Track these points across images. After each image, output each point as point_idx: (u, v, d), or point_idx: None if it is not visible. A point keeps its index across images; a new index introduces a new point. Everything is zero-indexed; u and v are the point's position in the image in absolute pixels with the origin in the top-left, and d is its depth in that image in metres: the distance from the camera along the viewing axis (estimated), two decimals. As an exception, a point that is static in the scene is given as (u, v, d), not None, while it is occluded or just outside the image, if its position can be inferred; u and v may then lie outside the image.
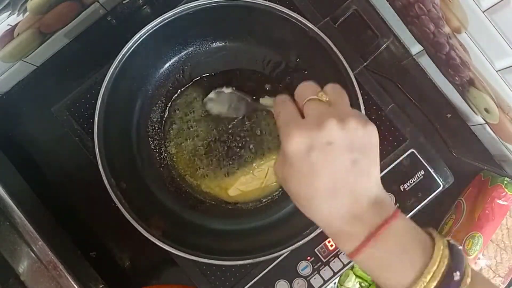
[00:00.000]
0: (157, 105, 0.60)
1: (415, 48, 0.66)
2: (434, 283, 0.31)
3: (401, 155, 0.57)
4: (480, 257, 0.59)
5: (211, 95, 0.56)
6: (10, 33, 0.54)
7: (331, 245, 0.56)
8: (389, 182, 0.57)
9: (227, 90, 0.54)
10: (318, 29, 0.53)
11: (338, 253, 0.56)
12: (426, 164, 0.57)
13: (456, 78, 0.61)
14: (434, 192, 0.57)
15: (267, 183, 0.60)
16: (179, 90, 0.60)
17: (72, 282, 0.54)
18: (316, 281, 0.56)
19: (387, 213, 0.34)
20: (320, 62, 0.55)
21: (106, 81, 0.52)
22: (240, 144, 0.60)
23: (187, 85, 0.60)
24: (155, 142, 0.60)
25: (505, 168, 0.66)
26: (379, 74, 0.64)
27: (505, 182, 0.60)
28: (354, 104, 0.53)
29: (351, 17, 0.55)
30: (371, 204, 0.34)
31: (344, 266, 0.56)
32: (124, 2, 0.66)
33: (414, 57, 0.68)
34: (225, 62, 0.60)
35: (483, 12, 0.48)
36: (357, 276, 0.64)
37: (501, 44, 0.48)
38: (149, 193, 0.57)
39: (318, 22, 0.55)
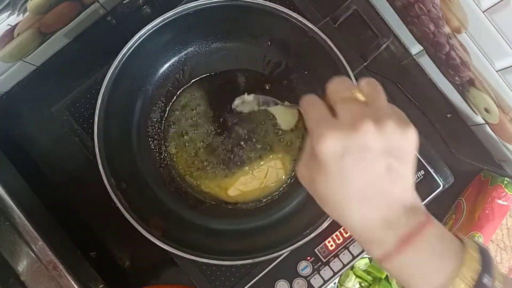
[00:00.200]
0: (157, 105, 0.60)
1: (415, 48, 0.66)
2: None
3: (401, 155, 0.57)
4: (480, 257, 0.59)
5: (236, 101, 0.54)
6: (10, 33, 0.54)
7: (331, 245, 0.56)
8: (389, 182, 0.57)
9: (249, 98, 0.52)
10: (318, 29, 0.53)
11: (338, 253, 0.56)
12: (426, 164, 0.57)
13: (456, 78, 0.61)
14: (434, 192, 0.57)
15: (267, 183, 0.60)
16: (179, 90, 0.60)
17: (72, 282, 0.54)
18: (316, 281, 0.56)
19: (420, 219, 0.33)
20: (320, 62, 0.55)
21: (106, 81, 0.52)
22: (240, 144, 0.60)
23: (187, 85, 0.60)
24: (155, 142, 0.60)
25: (505, 168, 0.66)
26: (379, 74, 0.65)
27: (505, 182, 0.60)
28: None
29: (351, 17, 0.55)
30: (404, 210, 0.33)
31: (344, 266, 0.56)
32: (124, 2, 0.66)
33: (414, 57, 0.68)
34: (225, 62, 0.60)
35: (483, 12, 0.48)
36: (357, 276, 0.64)
37: (501, 44, 0.48)
38: (149, 193, 0.57)
39: (318, 22, 0.55)
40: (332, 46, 0.53)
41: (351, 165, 0.32)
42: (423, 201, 0.57)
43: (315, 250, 0.56)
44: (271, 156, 0.60)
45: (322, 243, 0.56)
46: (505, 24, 0.47)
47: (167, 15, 0.53)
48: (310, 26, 0.53)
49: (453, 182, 0.58)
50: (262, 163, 0.60)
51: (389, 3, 0.64)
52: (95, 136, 0.52)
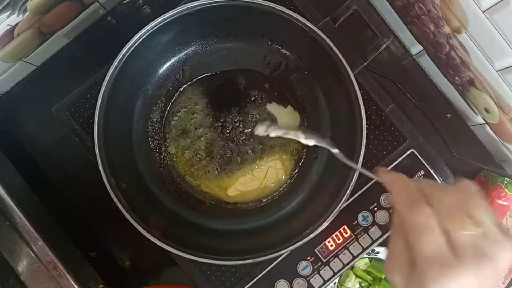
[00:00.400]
0: (157, 105, 0.60)
1: (415, 48, 0.66)
2: None
3: (401, 155, 0.57)
4: (480, 257, 0.59)
5: (259, 129, 0.52)
6: (10, 33, 0.54)
7: (331, 245, 0.56)
8: (389, 182, 0.57)
9: (268, 132, 0.51)
10: (318, 29, 0.53)
11: (338, 253, 0.56)
12: (426, 164, 0.57)
13: (456, 78, 0.61)
14: (434, 192, 0.57)
15: (266, 184, 0.60)
16: (179, 90, 0.60)
17: (72, 282, 0.54)
18: (316, 281, 0.56)
19: None
20: (320, 62, 0.56)
21: (106, 81, 0.52)
22: (240, 145, 0.60)
23: (187, 85, 0.60)
24: (155, 142, 0.60)
25: (505, 168, 0.66)
26: (379, 74, 0.65)
27: (505, 182, 0.60)
28: (354, 105, 0.53)
29: (351, 17, 0.55)
30: None
31: (344, 266, 0.56)
32: (124, 2, 0.66)
33: (414, 57, 0.68)
34: (225, 62, 0.60)
35: (483, 12, 0.48)
36: (357, 276, 0.64)
37: (501, 44, 0.48)
38: (149, 193, 0.57)
39: (318, 22, 0.55)
40: (332, 46, 0.53)
41: None
42: (423, 201, 0.57)
43: (315, 250, 0.56)
44: (270, 157, 0.60)
45: (322, 243, 0.56)
46: (505, 24, 0.47)
47: (167, 15, 0.53)
48: (310, 26, 0.53)
49: (453, 182, 0.58)
50: (261, 163, 0.60)
51: (389, 3, 0.64)
52: (95, 136, 0.52)
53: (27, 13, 0.53)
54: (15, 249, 0.54)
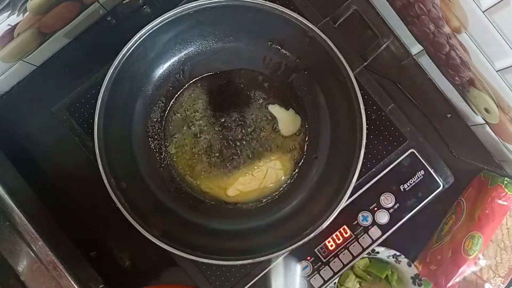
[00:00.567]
0: (157, 105, 0.60)
1: (415, 48, 0.66)
2: None
3: (401, 155, 0.57)
4: (480, 257, 0.59)
5: None
6: (10, 33, 0.54)
7: (331, 245, 0.56)
8: (389, 182, 0.57)
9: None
10: (318, 29, 0.53)
11: (338, 253, 0.56)
12: (426, 164, 0.57)
13: (456, 78, 0.61)
14: (434, 192, 0.57)
15: (266, 184, 0.60)
16: (179, 90, 0.60)
17: (72, 282, 0.54)
18: (316, 281, 0.56)
19: None
20: (320, 62, 0.56)
21: (106, 81, 0.52)
22: (239, 145, 0.60)
23: (187, 85, 0.60)
24: (155, 142, 0.60)
25: (505, 168, 0.66)
26: (379, 74, 0.65)
27: (505, 182, 0.60)
28: (354, 105, 0.53)
29: (351, 17, 0.55)
30: None
31: (344, 266, 0.56)
32: (124, 2, 0.66)
33: (414, 57, 0.68)
34: (225, 62, 0.60)
35: (483, 12, 0.48)
36: (357, 276, 0.64)
37: (501, 44, 0.48)
38: (149, 193, 0.57)
39: (318, 22, 0.55)
40: (332, 46, 0.53)
41: None
42: (423, 201, 0.57)
43: (315, 250, 0.56)
44: (270, 157, 0.60)
45: (322, 243, 0.56)
46: (505, 24, 0.47)
47: (167, 15, 0.53)
48: (310, 26, 0.53)
49: (453, 182, 0.58)
50: (261, 163, 0.60)
51: (389, 3, 0.64)
52: (95, 136, 0.52)
53: (27, 13, 0.53)
54: (15, 249, 0.54)
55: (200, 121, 0.60)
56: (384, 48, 0.55)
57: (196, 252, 0.52)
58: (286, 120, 0.60)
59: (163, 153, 0.60)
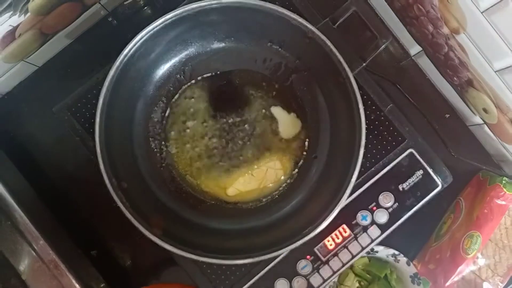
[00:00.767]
0: (158, 105, 0.60)
1: (414, 48, 0.66)
2: None
3: (400, 155, 0.58)
4: (479, 257, 0.59)
5: None
6: (12, 34, 0.54)
7: (331, 244, 0.56)
8: (388, 181, 0.57)
9: None
10: (317, 29, 0.53)
11: (338, 252, 0.56)
12: (424, 164, 0.57)
13: (455, 79, 0.61)
14: (432, 191, 0.57)
15: (266, 184, 0.60)
16: (180, 90, 0.61)
17: (73, 281, 0.55)
18: (315, 280, 0.56)
19: None
20: (319, 62, 0.56)
21: (107, 82, 0.53)
22: (239, 145, 0.60)
23: (188, 85, 0.61)
24: (155, 142, 0.60)
25: (504, 168, 0.66)
26: (378, 74, 0.65)
27: (504, 181, 0.60)
28: (353, 105, 0.53)
29: (350, 18, 0.55)
30: None
31: (344, 265, 0.56)
32: (125, 3, 0.66)
33: (413, 57, 0.68)
34: (226, 62, 0.60)
35: (481, 13, 0.48)
36: (356, 275, 0.64)
37: (500, 44, 0.49)
38: (149, 193, 0.58)
39: (317, 23, 0.55)
40: (332, 46, 0.53)
41: None
42: (422, 200, 0.57)
43: (315, 249, 0.56)
44: (270, 157, 0.60)
45: (322, 242, 0.56)
46: (504, 25, 0.47)
47: (168, 16, 0.53)
48: (310, 27, 0.53)
49: (452, 182, 0.58)
50: (261, 163, 0.60)
51: (388, 4, 0.64)
52: (96, 136, 0.52)
53: (28, 14, 0.53)
54: (16, 248, 0.54)
55: (201, 121, 0.60)
56: (383, 49, 0.55)
57: (197, 251, 0.52)
58: (286, 123, 0.60)
59: (164, 153, 0.60)
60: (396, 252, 0.62)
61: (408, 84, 0.67)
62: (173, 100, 0.60)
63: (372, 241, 0.56)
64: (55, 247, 0.55)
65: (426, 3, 0.55)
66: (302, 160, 0.60)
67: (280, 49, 0.59)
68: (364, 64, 0.56)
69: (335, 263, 0.56)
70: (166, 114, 0.60)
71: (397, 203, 0.57)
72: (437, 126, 0.66)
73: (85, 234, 0.65)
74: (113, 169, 0.53)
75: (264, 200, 0.60)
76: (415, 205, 0.57)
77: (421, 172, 0.57)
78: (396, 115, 0.58)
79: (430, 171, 0.57)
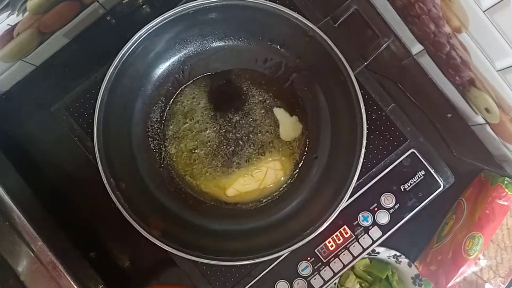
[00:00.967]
0: (156, 105, 0.60)
1: (415, 47, 0.66)
2: None
3: (402, 155, 0.57)
4: (481, 257, 0.59)
5: None
6: (10, 33, 0.54)
7: (331, 246, 0.56)
8: (390, 182, 0.57)
9: None
10: (318, 28, 0.53)
11: (338, 253, 0.56)
12: (426, 164, 0.57)
13: (457, 78, 0.61)
14: (434, 192, 0.57)
15: (265, 184, 0.60)
16: (179, 90, 0.60)
17: (72, 282, 0.54)
18: (316, 281, 0.56)
19: None
20: (320, 62, 0.55)
21: (106, 81, 0.52)
22: (239, 145, 0.60)
23: (187, 85, 0.60)
24: (154, 142, 0.60)
25: (506, 168, 0.66)
26: (379, 73, 0.64)
27: (506, 182, 0.60)
28: (354, 104, 0.53)
29: (351, 17, 0.55)
30: None
31: (344, 266, 0.56)
32: (123, 1, 0.65)
33: (414, 56, 0.68)
34: (225, 61, 0.60)
35: (483, 11, 0.48)
36: (357, 276, 0.64)
37: (502, 44, 0.48)
38: (148, 193, 0.57)
39: (318, 22, 0.55)
40: (333, 45, 0.53)
41: None
42: (423, 201, 0.57)
43: (315, 251, 0.56)
44: (270, 157, 0.60)
45: (322, 244, 0.56)
46: (506, 24, 0.47)
47: (166, 15, 0.53)
48: (310, 25, 0.53)
49: (454, 182, 0.58)
50: (261, 164, 0.60)
51: (389, 3, 0.64)
52: (95, 136, 0.52)
53: (26, 13, 0.53)
54: (15, 249, 0.54)
55: (200, 121, 0.60)
56: (385, 48, 0.55)
57: (196, 253, 0.52)
58: (288, 125, 0.60)
59: (163, 153, 0.60)
60: (398, 253, 0.62)
61: (410, 83, 0.66)
62: (172, 99, 0.60)
63: (373, 242, 0.56)
64: (53, 248, 0.55)
65: (427, 2, 0.55)
66: (302, 161, 0.60)
67: (280, 48, 0.59)
68: (365, 63, 0.55)
69: (336, 265, 0.56)
70: (165, 113, 0.60)
71: (398, 204, 0.56)
72: (439, 125, 0.66)
73: (83, 235, 0.64)
74: (112, 169, 0.53)
75: (264, 201, 0.59)
76: (417, 206, 0.57)
77: (422, 172, 0.57)
78: (398, 114, 0.58)
79: (432, 171, 0.57)
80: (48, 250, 0.54)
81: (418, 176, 0.57)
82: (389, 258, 0.62)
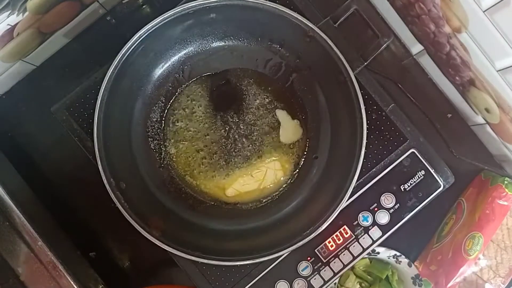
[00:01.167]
0: (156, 105, 0.60)
1: (415, 47, 0.66)
2: None
3: (402, 155, 0.57)
4: (481, 257, 0.59)
5: None
6: (10, 33, 0.54)
7: (331, 246, 0.56)
8: (390, 182, 0.57)
9: None
10: (318, 28, 0.53)
11: (338, 253, 0.56)
12: (426, 164, 0.57)
13: (457, 78, 0.61)
14: (434, 192, 0.57)
15: (265, 184, 0.60)
16: (179, 90, 0.60)
17: (72, 282, 0.54)
18: (316, 281, 0.56)
19: None
20: (320, 62, 0.55)
21: (106, 81, 0.52)
22: (239, 145, 0.60)
23: (187, 85, 0.60)
24: (154, 142, 0.60)
25: (506, 168, 0.66)
26: (379, 74, 0.64)
27: (506, 182, 0.60)
28: (354, 104, 0.53)
29: (351, 17, 0.55)
30: None
31: (345, 266, 0.56)
32: (123, 1, 0.66)
33: (414, 56, 0.68)
34: (225, 61, 0.60)
35: (483, 12, 0.48)
36: (357, 276, 0.64)
37: (502, 44, 0.48)
38: (148, 193, 0.57)
39: (318, 22, 0.55)
40: (333, 45, 0.53)
41: None
42: (423, 201, 0.57)
43: (315, 251, 0.56)
44: (270, 157, 0.60)
45: (322, 244, 0.56)
46: (506, 24, 0.47)
47: (166, 15, 0.53)
48: (310, 25, 0.53)
49: (454, 182, 0.58)
50: (260, 164, 0.60)
51: (389, 3, 0.64)
52: (95, 136, 0.52)
53: (26, 13, 0.53)
54: (15, 249, 0.54)
55: (200, 121, 0.60)
56: (385, 48, 0.55)
57: (196, 253, 0.52)
58: (288, 128, 0.60)
59: (163, 153, 0.60)
60: (398, 253, 0.61)
61: (410, 83, 0.66)
62: (172, 99, 0.60)
63: (373, 242, 0.56)
64: (53, 248, 0.55)
65: (427, 2, 0.55)
66: (302, 161, 0.60)
67: (280, 48, 0.59)
68: (365, 63, 0.55)
69: (336, 265, 0.56)
70: (165, 113, 0.60)
71: (398, 204, 0.56)
72: (439, 126, 0.66)
73: (83, 235, 0.64)
74: (112, 170, 0.53)
75: (264, 200, 0.59)
76: (417, 206, 0.56)
77: (422, 172, 0.57)
78: (398, 114, 0.58)
79: (432, 171, 0.57)
80: (48, 250, 0.54)
81: (418, 176, 0.57)
82: (389, 258, 0.62)
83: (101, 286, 0.61)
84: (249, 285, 0.56)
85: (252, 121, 0.60)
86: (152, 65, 0.58)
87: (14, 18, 0.52)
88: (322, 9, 0.58)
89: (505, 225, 0.60)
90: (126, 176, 0.54)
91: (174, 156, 0.60)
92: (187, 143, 0.60)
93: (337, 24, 0.55)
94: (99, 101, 0.52)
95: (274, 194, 0.59)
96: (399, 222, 0.56)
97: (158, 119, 0.60)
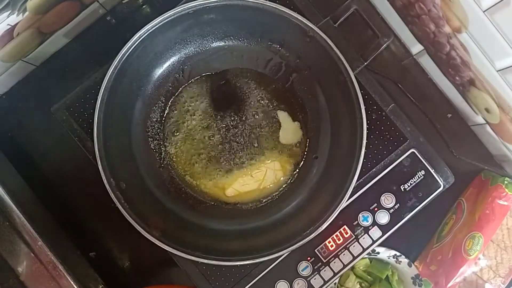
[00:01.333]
0: (156, 105, 0.60)
1: (415, 47, 0.66)
2: None
3: (402, 155, 0.57)
4: (481, 257, 0.59)
5: None
6: (10, 33, 0.54)
7: (331, 246, 0.56)
8: (390, 182, 0.57)
9: None
10: (318, 28, 0.53)
11: (339, 253, 0.56)
12: (426, 164, 0.57)
13: (457, 78, 0.61)
14: (434, 192, 0.57)
15: (265, 185, 0.60)
16: (179, 90, 0.60)
17: (72, 282, 0.54)
18: (316, 281, 0.56)
19: None
20: (320, 62, 0.55)
21: (106, 81, 0.52)
22: (239, 145, 0.60)
23: (187, 85, 0.60)
24: (154, 142, 0.60)
25: (506, 168, 0.66)
26: (379, 74, 0.64)
27: (506, 182, 0.60)
28: (354, 104, 0.53)
29: (351, 17, 0.55)
30: None
31: (345, 266, 0.56)
32: (123, 1, 0.66)
33: (414, 56, 0.68)
34: (225, 61, 0.60)
35: (483, 12, 0.48)
36: (357, 276, 0.64)
37: (502, 44, 0.48)
38: (148, 193, 0.57)
39: (318, 22, 0.55)
40: (333, 45, 0.53)
41: None
42: (423, 201, 0.57)
43: (315, 251, 0.56)
44: (269, 157, 0.60)
45: (322, 244, 0.56)
46: (506, 24, 0.47)
47: (166, 15, 0.53)
48: (310, 25, 0.53)
49: (454, 182, 0.58)
50: (260, 164, 0.60)
51: (389, 3, 0.64)
52: (95, 136, 0.52)
53: (26, 13, 0.53)
54: (15, 249, 0.54)
55: (200, 121, 0.60)
56: (385, 48, 0.55)
57: (196, 253, 0.52)
58: (288, 130, 0.60)
59: (163, 153, 0.60)
60: (398, 253, 0.61)
61: (410, 83, 0.66)
62: (172, 99, 0.60)
63: (373, 242, 0.56)
64: (53, 248, 0.55)
65: (427, 2, 0.55)
66: (302, 161, 0.60)
67: (280, 48, 0.59)
68: (365, 63, 0.55)
69: (336, 265, 0.56)
70: (165, 113, 0.60)
71: (398, 204, 0.56)
72: (439, 126, 0.66)
73: (83, 235, 0.64)
74: (112, 169, 0.53)
75: (264, 201, 0.59)
76: (417, 206, 0.56)
77: (422, 172, 0.57)
78: (398, 114, 0.58)
79: (432, 171, 0.57)
80: (48, 250, 0.54)
81: (418, 176, 0.57)
82: (389, 258, 0.62)
83: (101, 286, 0.61)
84: (249, 285, 0.56)
85: (252, 121, 0.60)
86: (152, 65, 0.58)
87: (14, 18, 0.52)
88: (322, 9, 0.58)
89: (505, 225, 0.60)
90: (126, 176, 0.54)
91: (174, 156, 0.60)
92: (187, 143, 0.60)
93: (337, 24, 0.55)
94: (99, 101, 0.52)
95: (274, 194, 0.59)
96: (399, 222, 0.56)
97: (158, 119, 0.60)
